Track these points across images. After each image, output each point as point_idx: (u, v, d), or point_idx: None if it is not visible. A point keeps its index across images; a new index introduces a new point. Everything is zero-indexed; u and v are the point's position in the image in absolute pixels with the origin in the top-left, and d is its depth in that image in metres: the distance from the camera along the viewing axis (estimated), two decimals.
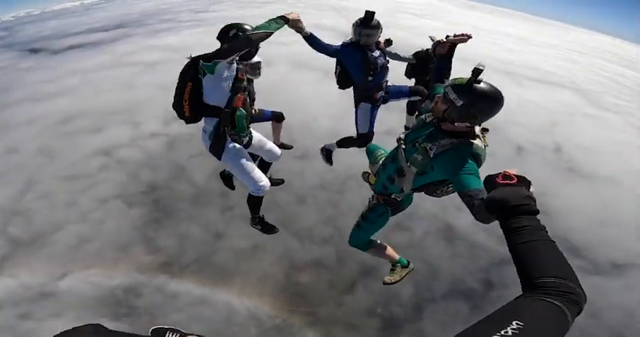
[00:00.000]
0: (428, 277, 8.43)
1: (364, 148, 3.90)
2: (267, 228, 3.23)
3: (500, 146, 11.83)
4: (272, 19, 2.38)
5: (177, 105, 2.52)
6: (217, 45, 2.56)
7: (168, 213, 9.18)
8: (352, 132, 3.82)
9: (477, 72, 1.68)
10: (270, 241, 9.09)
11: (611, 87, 22.13)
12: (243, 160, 2.65)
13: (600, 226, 9.67)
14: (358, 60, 3.16)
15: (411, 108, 4.15)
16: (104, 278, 8.23)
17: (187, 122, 2.61)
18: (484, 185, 1.17)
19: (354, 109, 3.58)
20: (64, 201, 9.96)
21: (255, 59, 3.19)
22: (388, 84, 3.50)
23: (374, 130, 3.65)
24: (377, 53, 3.23)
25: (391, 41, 3.54)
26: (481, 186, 1.54)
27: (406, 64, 3.99)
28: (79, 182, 10.30)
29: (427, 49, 3.49)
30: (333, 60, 3.36)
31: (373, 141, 3.56)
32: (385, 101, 3.56)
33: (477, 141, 1.80)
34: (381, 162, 2.47)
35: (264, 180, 2.74)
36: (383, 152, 2.71)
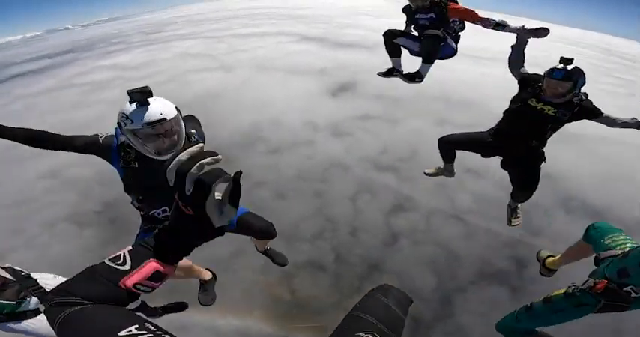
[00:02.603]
0: (448, 263, 7.22)
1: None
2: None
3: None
4: None
5: None
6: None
7: (127, 231, 7.87)
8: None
9: None
10: (252, 246, 7.93)
11: None
12: None
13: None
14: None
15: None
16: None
17: None
18: None
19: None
20: (9, 229, 8.50)
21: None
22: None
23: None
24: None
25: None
26: None
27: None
28: (24, 207, 8.84)
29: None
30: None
31: None
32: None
33: None
34: (619, 246, 1.89)
35: None
36: (624, 238, 2.02)
